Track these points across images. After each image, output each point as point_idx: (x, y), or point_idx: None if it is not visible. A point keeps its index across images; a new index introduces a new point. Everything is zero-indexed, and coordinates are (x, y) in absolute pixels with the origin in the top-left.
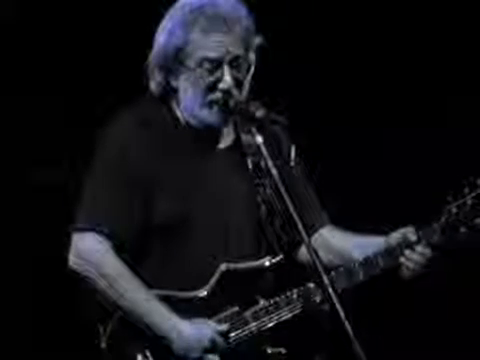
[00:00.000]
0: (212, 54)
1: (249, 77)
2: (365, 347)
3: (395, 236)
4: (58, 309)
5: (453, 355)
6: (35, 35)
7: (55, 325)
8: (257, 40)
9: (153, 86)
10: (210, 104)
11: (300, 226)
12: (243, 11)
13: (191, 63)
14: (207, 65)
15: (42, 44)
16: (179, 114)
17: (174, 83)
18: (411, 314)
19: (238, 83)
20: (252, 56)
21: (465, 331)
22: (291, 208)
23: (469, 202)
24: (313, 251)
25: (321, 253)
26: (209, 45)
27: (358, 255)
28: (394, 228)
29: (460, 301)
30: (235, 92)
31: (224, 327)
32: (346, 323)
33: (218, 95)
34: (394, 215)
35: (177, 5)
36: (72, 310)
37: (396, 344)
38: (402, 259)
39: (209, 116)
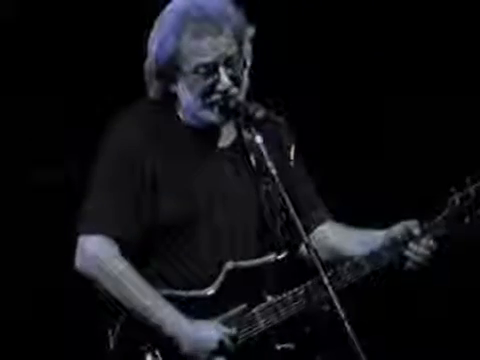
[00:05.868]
0: (206, 59)
1: (246, 71)
2: (365, 347)
3: (398, 229)
4: (58, 309)
5: (453, 355)
6: (35, 35)
7: (55, 325)
8: (250, 31)
9: (152, 93)
10: (211, 106)
11: (299, 225)
12: (230, 8)
13: (186, 68)
14: (203, 69)
15: (42, 44)
16: (181, 115)
17: (173, 89)
18: (411, 314)
19: (236, 80)
20: (247, 48)
21: (465, 332)
22: (290, 208)
23: (472, 192)
24: (313, 250)
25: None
26: (202, 50)
27: (361, 252)
28: (395, 222)
29: (460, 301)
30: (234, 91)
31: (233, 330)
32: (346, 323)
33: (217, 97)
34: (395, 209)
35: (164, 12)
36: (72, 310)
37: (396, 344)
38: (407, 252)
39: (210, 116)
